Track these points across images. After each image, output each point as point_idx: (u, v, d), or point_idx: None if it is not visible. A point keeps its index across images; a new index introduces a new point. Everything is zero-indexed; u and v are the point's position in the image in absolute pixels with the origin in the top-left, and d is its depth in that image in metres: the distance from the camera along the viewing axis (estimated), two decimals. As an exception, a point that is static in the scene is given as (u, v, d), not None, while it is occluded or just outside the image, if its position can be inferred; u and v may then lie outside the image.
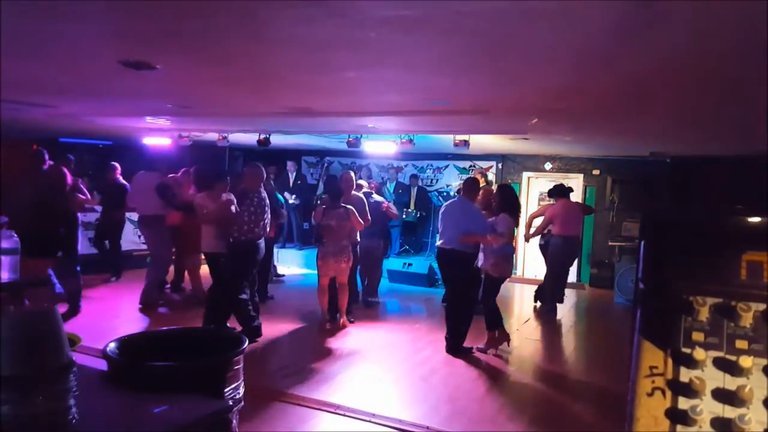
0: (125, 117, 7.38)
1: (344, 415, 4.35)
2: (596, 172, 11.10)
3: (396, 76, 3.97)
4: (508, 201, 6.01)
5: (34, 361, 1.65)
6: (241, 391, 2.94)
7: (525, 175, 11.69)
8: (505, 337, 6.26)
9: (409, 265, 9.92)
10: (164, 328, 3.57)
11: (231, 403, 2.70)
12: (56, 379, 1.69)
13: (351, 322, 7.07)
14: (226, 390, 2.79)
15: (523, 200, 11.70)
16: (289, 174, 11.55)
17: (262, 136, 8.56)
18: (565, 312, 8.36)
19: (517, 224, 6.08)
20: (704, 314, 1.13)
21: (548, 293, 8.22)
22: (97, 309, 7.16)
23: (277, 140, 9.18)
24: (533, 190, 11.74)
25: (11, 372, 1.59)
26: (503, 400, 5.00)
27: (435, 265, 9.86)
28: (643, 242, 1.25)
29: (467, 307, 6.10)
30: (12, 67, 4.00)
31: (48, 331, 1.73)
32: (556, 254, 8.08)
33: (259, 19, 2.72)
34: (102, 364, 2.48)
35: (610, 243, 10.37)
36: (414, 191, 11.40)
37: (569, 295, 8.19)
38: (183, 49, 3.45)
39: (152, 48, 3.44)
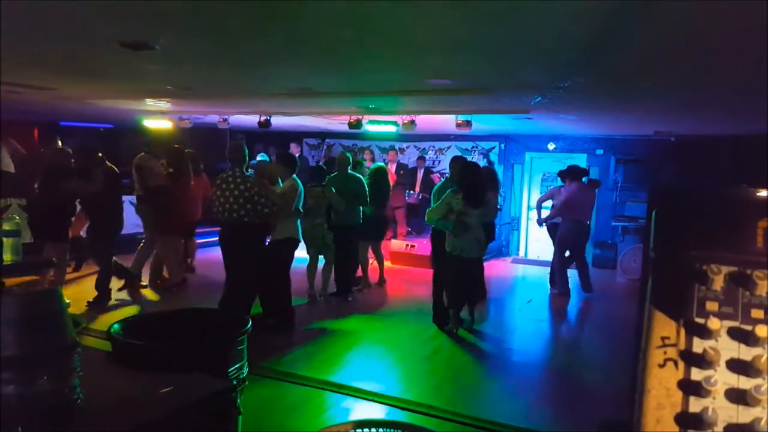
0: (126, 99, 7.33)
1: (347, 395, 4.36)
2: (600, 151, 11.02)
3: (397, 53, 3.91)
4: (463, 180, 5.81)
5: (38, 341, 1.64)
6: (245, 370, 2.95)
7: (528, 155, 11.62)
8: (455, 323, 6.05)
9: (412, 246, 9.91)
10: (168, 309, 3.57)
11: (235, 383, 2.71)
12: (61, 359, 1.68)
13: (348, 300, 7.23)
14: (229, 370, 2.80)
15: (526, 181, 11.66)
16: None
17: (263, 118, 8.50)
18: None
19: (472, 203, 5.64)
20: (719, 283, 1.11)
21: (557, 277, 8.10)
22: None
23: (278, 122, 9.11)
24: (536, 171, 11.67)
25: (16, 352, 1.58)
26: (506, 379, 5.01)
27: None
28: (654, 212, 1.22)
29: (440, 281, 6.25)
30: (11, 48, 3.95)
31: (52, 311, 1.72)
32: (566, 239, 7.89)
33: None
34: (106, 345, 2.48)
35: (613, 223, 10.33)
36: (420, 173, 11.29)
37: (571, 276, 8.11)
38: (181, 30, 3.39)
39: (151, 28, 3.39)
